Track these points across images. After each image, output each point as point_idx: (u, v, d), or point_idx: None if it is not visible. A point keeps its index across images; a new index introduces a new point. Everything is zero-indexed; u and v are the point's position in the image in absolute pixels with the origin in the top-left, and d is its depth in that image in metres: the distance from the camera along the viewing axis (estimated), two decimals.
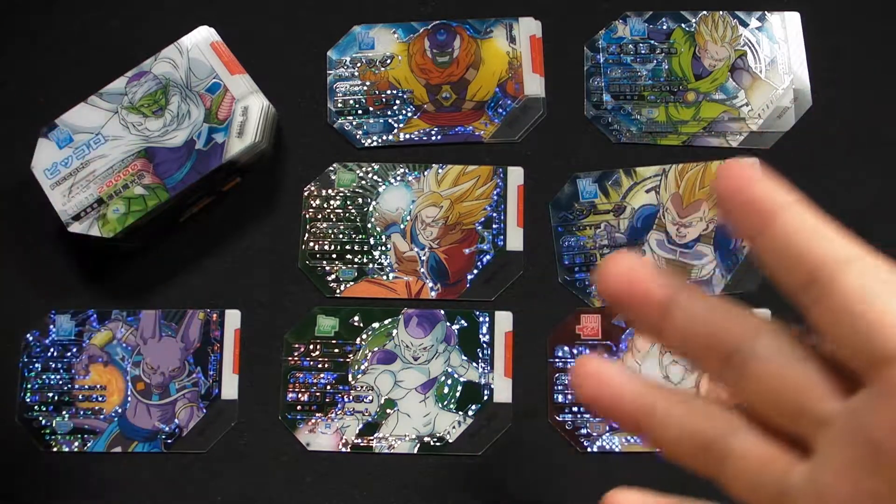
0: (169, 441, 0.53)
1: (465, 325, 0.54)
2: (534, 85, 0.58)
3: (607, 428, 0.53)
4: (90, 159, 0.53)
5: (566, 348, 0.54)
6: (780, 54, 0.58)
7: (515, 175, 0.57)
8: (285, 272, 0.56)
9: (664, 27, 0.59)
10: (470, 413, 0.53)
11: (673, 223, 0.56)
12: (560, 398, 0.53)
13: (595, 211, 0.56)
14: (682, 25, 0.59)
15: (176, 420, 0.53)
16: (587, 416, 0.53)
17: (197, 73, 0.54)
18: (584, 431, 0.53)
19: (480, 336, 0.54)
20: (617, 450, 0.53)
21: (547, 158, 0.57)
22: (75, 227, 0.52)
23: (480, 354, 0.54)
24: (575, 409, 0.53)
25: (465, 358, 0.54)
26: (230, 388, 0.54)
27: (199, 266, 0.56)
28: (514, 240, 0.56)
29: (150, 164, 0.53)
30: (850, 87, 0.57)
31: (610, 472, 0.52)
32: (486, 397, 0.53)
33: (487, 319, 0.54)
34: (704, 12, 0.59)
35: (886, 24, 0.58)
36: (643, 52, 0.58)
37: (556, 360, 0.54)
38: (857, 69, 0.58)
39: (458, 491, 0.52)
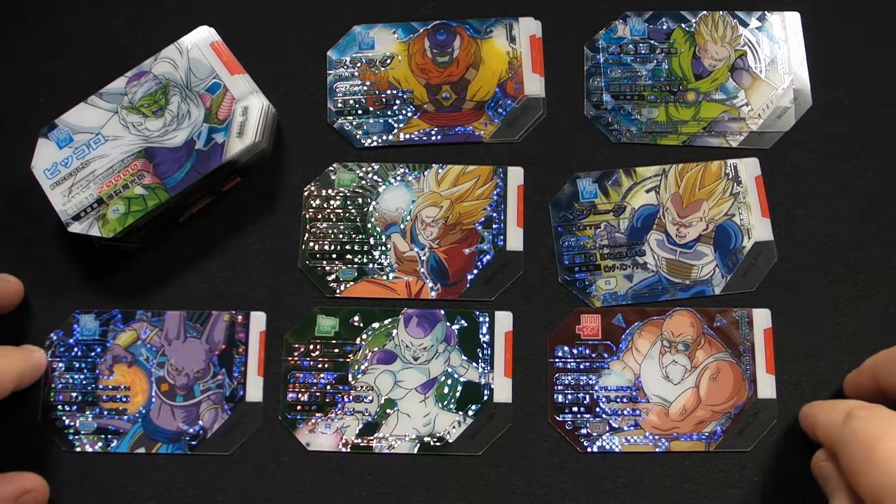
0: (193, 443, 0.53)
1: (465, 325, 0.54)
2: (534, 85, 0.58)
3: (607, 428, 0.53)
4: (90, 159, 0.53)
5: (566, 348, 0.54)
6: (780, 54, 0.58)
7: (515, 175, 0.57)
8: (285, 272, 0.56)
9: (664, 27, 0.59)
10: (470, 413, 0.53)
11: (673, 223, 0.56)
12: (560, 398, 0.53)
13: (595, 211, 0.56)
14: (682, 25, 0.59)
15: (200, 422, 0.53)
16: (587, 416, 0.53)
17: (197, 73, 0.54)
18: (584, 431, 0.53)
19: (480, 336, 0.54)
20: (617, 450, 0.52)
21: (547, 158, 0.57)
22: (75, 227, 0.52)
23: (480, 354, 0.54)
24: (575, 409, 0.53)
25: (465, 358, 0.54)
26: (255, 391, 0.54)
27: (199, 266, 0.56)
28: (514, 240, 0.56)
29: (150, 164, 0.53)
30: (850, 87, 0.57)
31: (610, 472, 0.52)
32: (486, 397, 0.53)
33: (487, 319, 0.54)
34: (704, 12, 0.59)
35: (886, 24, 0.58)
36: (643, 52, 0.58)
37: (556, 360, 0.54)
38: (857, 69, 0.58)
39: (458, 491, 0.52)
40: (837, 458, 0.43)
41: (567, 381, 0.54)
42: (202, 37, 0.55)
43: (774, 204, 0.56)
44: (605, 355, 0.54)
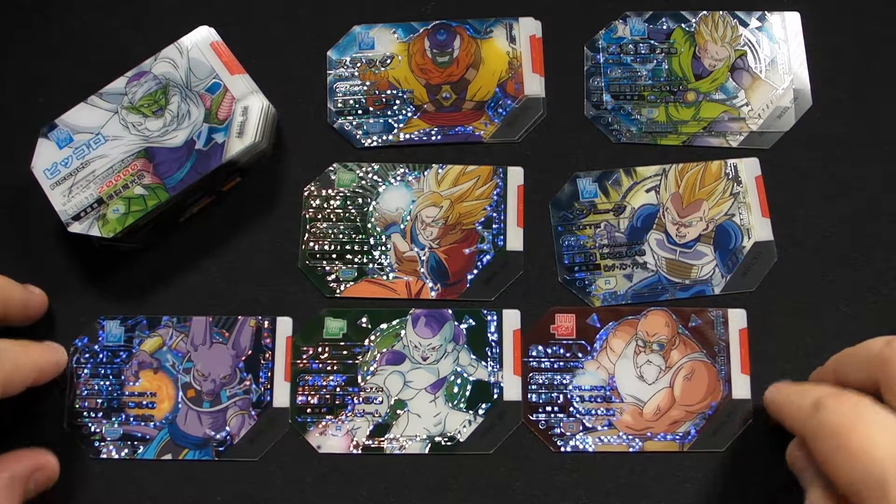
0: (220, 449, 0.53)
1: (473, 323, 0.54)
2: (534, 85, 0.58)
3: (580, 427, 0.53)
4: (90, 159, 0.53)
5: (540, 347, 0.54)
6: (780, 54, 0.58)
7: (515, 175, 0.57)
8: (285, 272, 0.55)
9: (664, 27, 0.59)
10: (480, 412, 0.53)
11: (673, 223, 0.56)
12: (533, 398, 0.53)
13: (595, 210, 0.56)
14: (682, 25, 0.59)
15: (227, 428, 0.53)
16: (561, 415, 0.53)
17: (197, 73, 0.54)
18: (557, 431, 0.53)
19: (489, 335, 0.54)
20: (590, 450, 0.52)
21: (547, 158, 0.57)
22: (75, 227, 0.52)
23: (489, 353, 0.54)
24: (548, 408, 0.53)
25: (474, 357, 0.54)
26: (282, 396, 0.54)
27: (199, 266, 0.56)
28: (514, 240, 0.56)
29: (150, 164, 0.53)
30: (850, 87, 0.57)
31: (610, 472, 0.52)
32: (495, 395, 0.53)
33: (495, 318, 0.54)
34: (704, 12, 0.59)
35: (886, 24, 0.58)
36: (643, 52, 0.58)
37: (531, 359, 0.54)
38: (857, 69, 0.58)
39: (458, 491, 0.52)
40: (809, 448, 0.43)
41: (541, 381, 0.54)
42: (202, 37, 0.55)
43: (774, 204, 0.56)
44: (580, 355, 0.54)
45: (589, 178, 0.56)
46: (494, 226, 0.56)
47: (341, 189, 0.57)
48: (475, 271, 0.55)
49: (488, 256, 0.55)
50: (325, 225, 0.56)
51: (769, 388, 0.51)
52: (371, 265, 0.55)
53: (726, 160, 0.56)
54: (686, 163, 0.56)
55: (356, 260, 0.55)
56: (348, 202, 0.56)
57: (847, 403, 0.42)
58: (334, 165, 0.57)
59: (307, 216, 0.56)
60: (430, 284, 0.55)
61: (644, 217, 0.56)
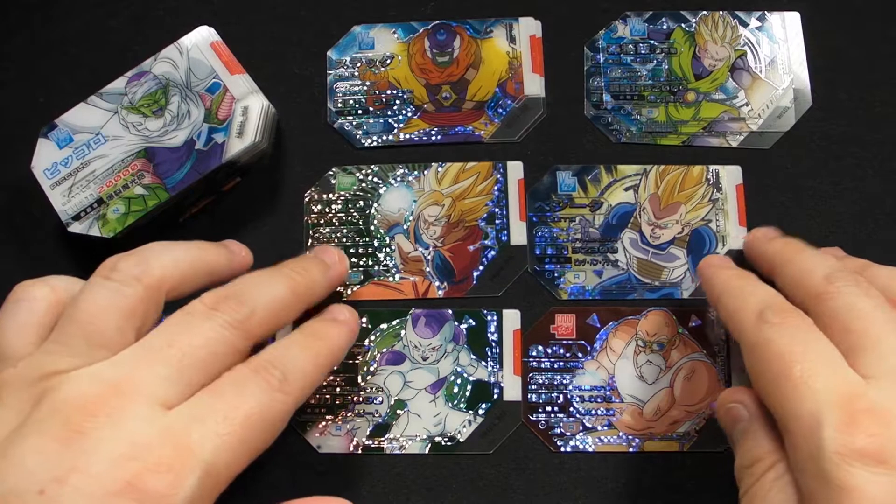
0: None
1: (473, 324, 0.54)
2: (534, 85, 0.58)
3: (581, 427, 0.53)
4: (90, 159, 0.53)
5: (540, 347, 0.54)
6: (780, 54, 0.58)
7: (515, 169, 0.57)
8: None
9: (664, 27, 0.59)
10: (480, 412, 0.53)
11: (648, 223, 0.56)
12: (533, 398, 0.53)
13: (572, 204, 0.56)
14: (682, 25, 0.59)
15: None
16: (561, 415, 0.53)
17: (197, 73, 0.54)
18: (557, 431, 0.53)
19: (489, 335, 0.54)
20: (590, 450, 0.52)
21: (547, 158, 0.57)
22: (75, 227, 0.52)
23: (489, 353, 0.54)
24: (548, 408, 0.53)
25: (474, 357, 0.54)
26: None
27: None
28: (518, 234, 0.56)
29: (150, 164, 0.53)
30: (850, 87, 0.58)
31: (610, 473, 0.52)
32: (495, 396, 0.53)
33: (495, 318, 0.54)
34: (704, 12, 0.59)
35: (886, 24, 0.59)
36: (643, 52, 0.59)
37: (531, 359, 0.54)
38: (857, 69, 0.58)
39: (457, 491, 0.52)
40: (743, 354, 0.41)
41: (541, 381, 0.54)
42: (202, 37, 0.55)
43: (774, 204, 0.56)
44: (580, 355, 0.54)
45: (569, 171, 0.56)
46: (497, 221, 0.56)
47: (342, 193, 0.57)
48: (480, 268, 0.55)
49: (493, 252, 0.55)
50: (328, 230, 0.56)
51: (702, 262, 0.49)
52: (377, 267, 0.55)
53: (708, 166, 0.56)
54: (668, 164, 0.56)
55: (361, 263, 0.55)
56: (350, 206, 0.56)
57: (792, 324, 0.40)
58: (333, 170, 0.57)
59: (309, 222, 0.56)
60: (437, 283, 0.55)
61: (620, 215, 0.56)
